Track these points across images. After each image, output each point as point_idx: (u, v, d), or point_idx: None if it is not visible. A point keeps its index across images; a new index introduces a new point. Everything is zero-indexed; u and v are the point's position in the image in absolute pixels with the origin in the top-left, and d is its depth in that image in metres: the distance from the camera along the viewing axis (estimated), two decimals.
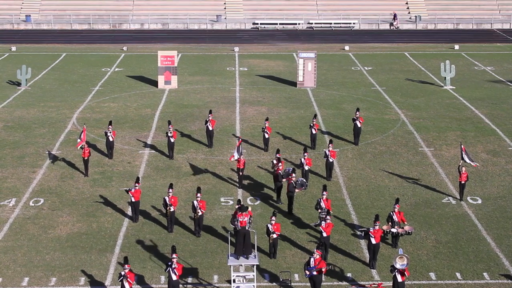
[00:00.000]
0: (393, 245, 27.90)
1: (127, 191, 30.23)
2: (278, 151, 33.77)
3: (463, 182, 32.31)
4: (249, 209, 26.78)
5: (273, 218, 27.00)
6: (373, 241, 26.25)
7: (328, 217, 27.07)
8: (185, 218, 30.52)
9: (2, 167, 36.64)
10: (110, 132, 37.24)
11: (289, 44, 72.72)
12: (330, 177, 34.85)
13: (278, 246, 27.25)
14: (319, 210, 28.74)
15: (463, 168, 32.47)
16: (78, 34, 78.67)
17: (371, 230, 26.40)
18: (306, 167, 33.62)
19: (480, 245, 28.34)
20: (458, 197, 32.65)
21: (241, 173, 33.97)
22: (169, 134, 37.25)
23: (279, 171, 32.00)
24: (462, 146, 33.77)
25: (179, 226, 29.78)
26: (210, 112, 39.87)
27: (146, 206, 31.64)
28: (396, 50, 69.10)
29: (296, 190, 31.21)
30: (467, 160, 33.15)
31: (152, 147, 39.60)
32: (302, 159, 33.74)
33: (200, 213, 28.62)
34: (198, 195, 28.77)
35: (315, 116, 40.08)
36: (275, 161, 32.66)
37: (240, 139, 35.78)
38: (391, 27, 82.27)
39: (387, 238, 28.22)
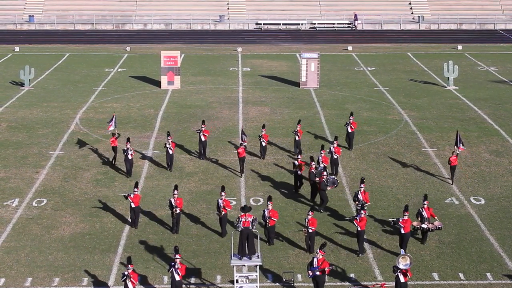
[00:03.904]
0: (422, 241, 28.28)
1: (126, 197, 30.02)
2: (300, 152, 34.79)
3: (453, 165, 33.54)
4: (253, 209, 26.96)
5: (310, 213, 27.31)
6: (403, 231, 26.93)
7: (362, 211, 27.54)
8: (188, 218, 30.51)
9: (5, 167, 36.68)
10: (130, 150, 34.93)
11: (292, 44, 72.71)
12: (336, 173, 34.95)
13: (314, 240, 27.51)
14: (356, 202, 29.67)
15: (455, 153, 33.82)
16: (81, 34, 78.72)
17: (400, 220, 27.04)
18: (322, 165, 33.72)
19: (483, 245, 28.32)
20: (452, 186, 33.40)
21: (242, 163, 34.94)
22: (168, 146, 35.76)
23: (312, 170, 32.21)
24: (458, 133, 35.38)
25: (182, 227, 29.74)
26: (203, 122, 38.15)
27: (149, 207, 31.65)
28: (399, 51, 69.04)
29: (328, 188, 31.60)
30: (458, 146, 34.99)
31: (155, 147, 39.59)
32: (320, 157, 33.80)
33: (224, 212, 28.73)
34: (223, 193, 28.84)
35: (299, 121, 39.35)
36: (296, 162, 33.16)
37: (242, 126, 36.03)
38: (352, 28, 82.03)
39: (417, 234, 28.56)
